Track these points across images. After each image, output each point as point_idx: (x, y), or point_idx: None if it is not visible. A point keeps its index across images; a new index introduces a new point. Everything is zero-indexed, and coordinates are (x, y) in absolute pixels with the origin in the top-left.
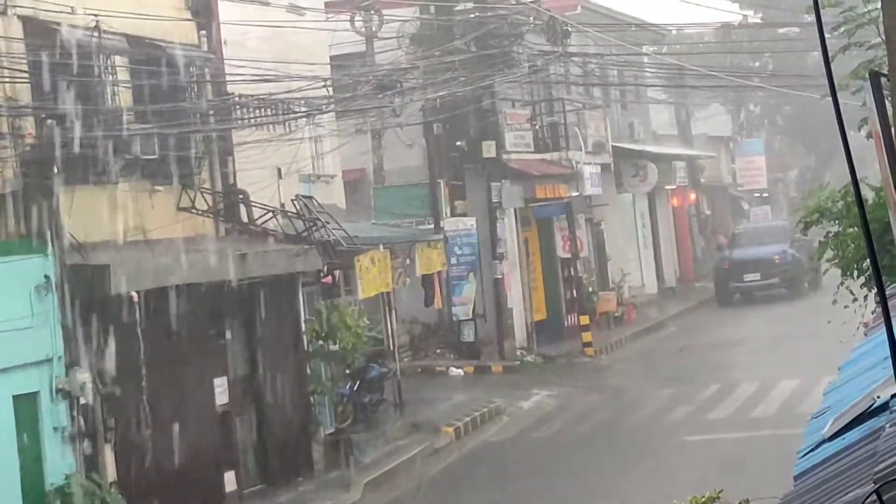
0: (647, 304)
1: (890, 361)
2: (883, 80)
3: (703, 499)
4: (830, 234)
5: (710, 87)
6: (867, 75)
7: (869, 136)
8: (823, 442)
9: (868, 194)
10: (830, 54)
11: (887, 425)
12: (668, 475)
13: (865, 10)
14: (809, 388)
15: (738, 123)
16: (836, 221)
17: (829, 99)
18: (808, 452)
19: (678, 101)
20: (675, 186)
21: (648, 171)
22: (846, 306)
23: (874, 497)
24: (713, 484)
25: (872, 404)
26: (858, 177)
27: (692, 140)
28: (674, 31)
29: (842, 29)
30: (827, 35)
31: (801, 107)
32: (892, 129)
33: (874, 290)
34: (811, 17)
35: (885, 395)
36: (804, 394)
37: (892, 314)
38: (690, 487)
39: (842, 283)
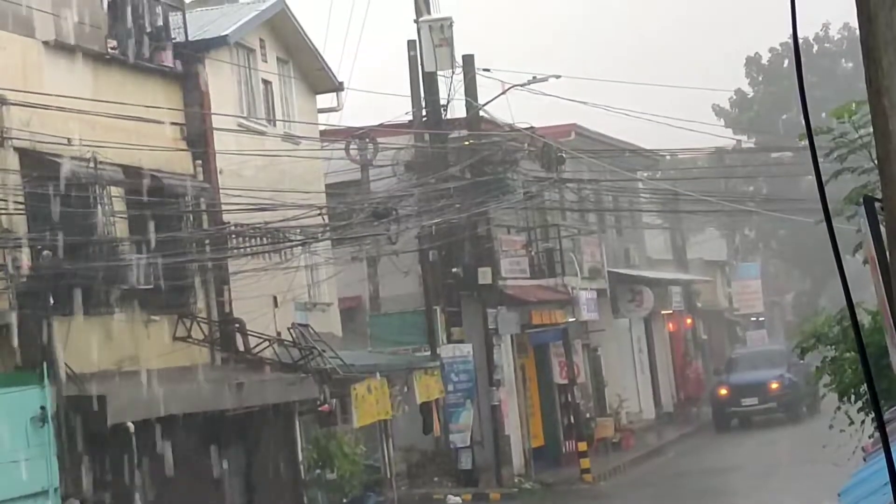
0: (645, 429)
1: (889, 488)
2: (877, 204)
3: None
4: (827, 359)
5: (704, 211)
6: (861, 200)
7: (865, 261)
8: None
9: (864, 319)
10: (823, 179)
11: None
12: None
13: (857, 135)
14: None
15: (734, 247)
16: (833, 346)
17: (824, 224)
18: None
19: (673, 226)
20: (671, 311)
21: (644, 296)
22: (842, 430)
23: None
24: None
25: None
26: (855, 301)
27: (688, 264)
28: (668, 157)
29: (834, 154)
30: (820, 160)
31: (796, 231)
32: (887, 254)
33: (872, 415)
34: (804, 143)
35: None
36: None
37: (890, 439)
38: None
39: (839, 408)
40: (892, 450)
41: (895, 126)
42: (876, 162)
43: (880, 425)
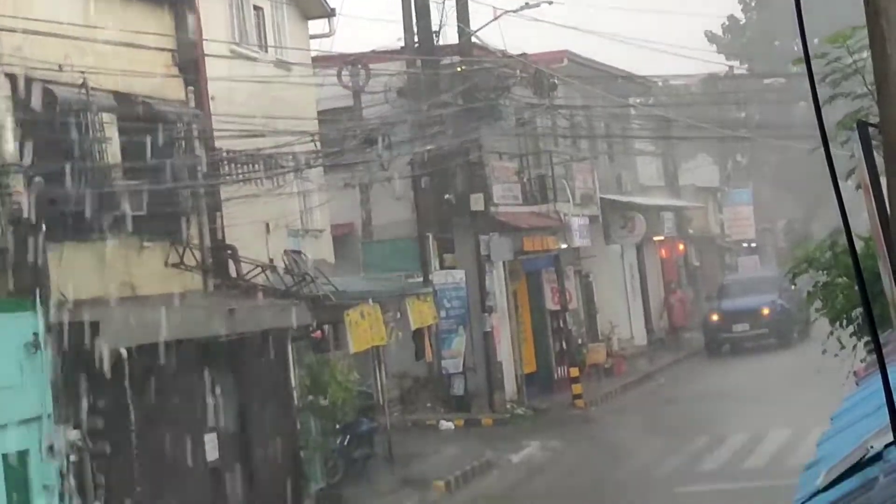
0: (637, 355)
1: (882, 411)
2: (871, 129)
3: None
4: (819, 284)
5: (697, 137)
6: (855, 125)
7: (858, 186)
8: (818, 492)
9: (857, 244)
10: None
11: (881, 475)
12: None
13: (851, 60)
14: (800, 439)
15: (726, 174)
16: (825, 272)
17: (819, 151)
18: (802, 503)
19: (665, 153)
20: (663, 237)
21: (636, 222)
22: (836, 355)
23: None
24: None
25: (866, 454)
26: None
27: (680, 191)
28: (660, 83)
29: (828, 79)
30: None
31: (789, 157)
32: (882, 179)
33: (863, 340)
34: (797, 69)
35: (878, 445)
36: (795, 444)
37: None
38: None
39: (831, 333)
40: (888, 373)
41: (893, 49)
42: (870, 87)
43: (877, 348)
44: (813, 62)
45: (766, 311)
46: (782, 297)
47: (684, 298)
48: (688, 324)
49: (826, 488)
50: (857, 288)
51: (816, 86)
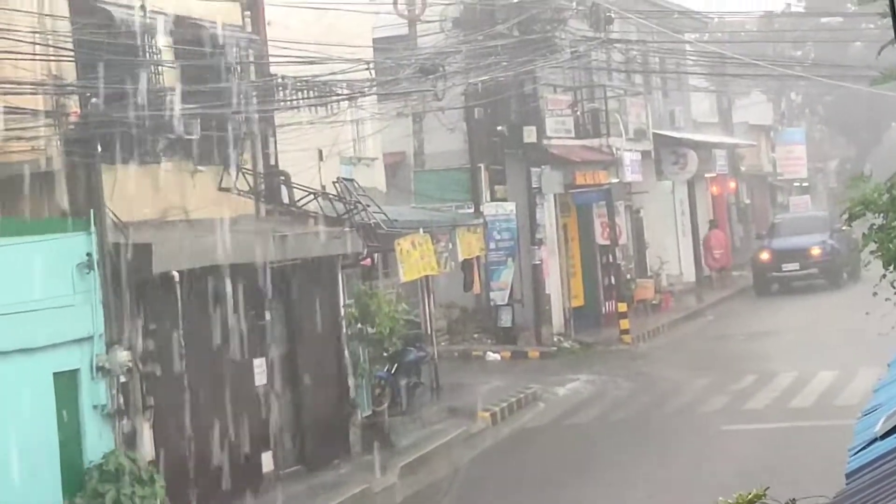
0: (685, 292)
1: None
2: None
3: (749, 496)
4: (874, 227)
5: (751, 75)
6: None
7: None
8: (875, 440)
9: None
10: (879, 45)
11: None
12: (704, 464)
13: None
14: (847, 380)
15: (779, 112)
16: (881, 214)
17: (871, 90)
18: (859, 450)
19: (719, 90)
20: (714, 174)
21: (688, 158)
22: (887, 299)
23: None
24: (749, 473)
25: None
26: None
27: (733, 128)
28: (716, 19)
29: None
30: (873, 26)
31: (843, 97)
32: None
33: None
34: (854, 7)
35: None
36: (842, 386)
37: None
38: (727, 477)
39: (884, 276)
40: None
41: None
42: None
43: None
44: (874, 4)
45: (816, 251)
46: (833, 238)
47: (722, 241)
48: (728, 266)
49: (884, 436)
50: None
51: (876, 26)
